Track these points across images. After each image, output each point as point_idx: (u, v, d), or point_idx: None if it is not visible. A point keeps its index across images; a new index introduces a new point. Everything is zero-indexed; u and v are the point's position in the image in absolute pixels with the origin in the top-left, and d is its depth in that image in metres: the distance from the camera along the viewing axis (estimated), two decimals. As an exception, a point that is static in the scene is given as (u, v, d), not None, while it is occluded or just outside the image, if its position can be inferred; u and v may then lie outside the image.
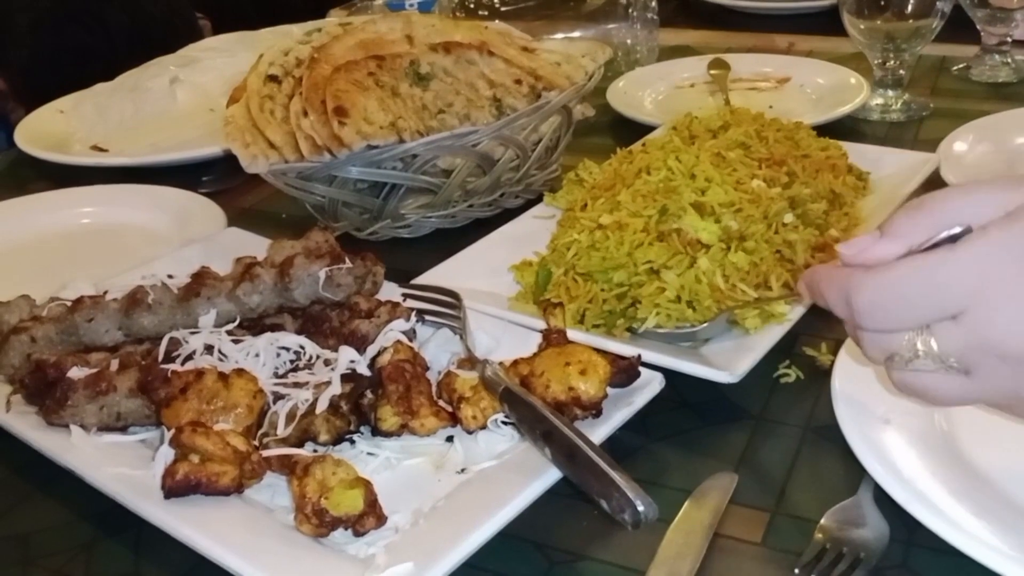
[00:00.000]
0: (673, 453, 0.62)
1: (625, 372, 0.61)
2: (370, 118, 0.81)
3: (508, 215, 0.90)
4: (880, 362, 0.45)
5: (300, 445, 0.60)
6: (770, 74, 1.20)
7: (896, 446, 0.55)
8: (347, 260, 0.70)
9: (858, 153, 0.89)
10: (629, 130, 1.08)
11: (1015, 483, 0.53)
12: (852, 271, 0.43)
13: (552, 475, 0.56)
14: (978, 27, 1.20)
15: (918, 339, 0.42)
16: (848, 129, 0.94)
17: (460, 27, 0.97)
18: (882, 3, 1.08)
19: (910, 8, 1.07)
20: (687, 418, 0.65)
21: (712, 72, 1.20)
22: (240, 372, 0.61)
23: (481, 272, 0.77)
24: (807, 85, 1.15)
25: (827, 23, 1.20)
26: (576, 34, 1.30)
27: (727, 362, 0.63)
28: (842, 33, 1.11)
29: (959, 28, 1.16)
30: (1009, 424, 0.57)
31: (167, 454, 0.57)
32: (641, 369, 0.62)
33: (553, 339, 0.63)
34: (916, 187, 0.84)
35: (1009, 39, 1.20)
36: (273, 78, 0.90)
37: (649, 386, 0.62)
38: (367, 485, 0.53)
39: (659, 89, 1.19)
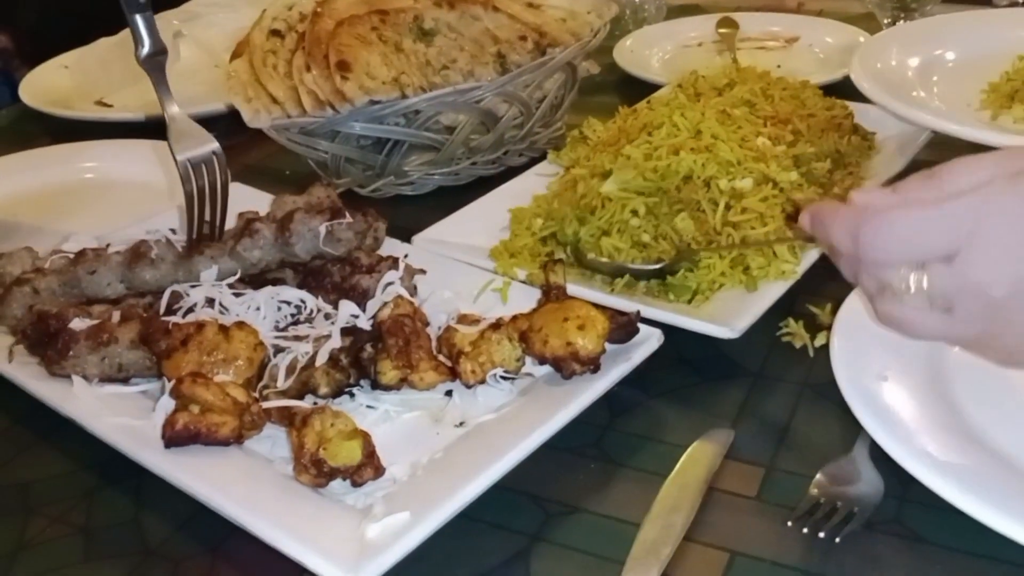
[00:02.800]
0: (671, 409, 0.62)
1: (624, 328, 0.61)
2: (373, 73, 0.81)
3: (512, 173, 0.89)
4: (871, 294, 0.48)
5: (300, 398, 0.61)
6: (779, 33, 1.18)
7: (892, 403, 0.55)
8: (348, 216, 0.70)
9: (864, 113, 0.88)
10: (636, 89, 1.07)
11: (1010, 439, 0.53)
12: (861, 208, 0.46)
13: (550, 428, 0.56)
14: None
15: (911, 275, 0.45)
16: (855, 89, 0.93)
17: (465, -19, 0.96)
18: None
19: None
20: (686, 374, 0.65)
21: (720, 31, 1.19)
22: (241, 325, 0.62)
23: (483, 229, 0.77)
24: (815, 44, 1.14)
25: (839, -18, 1.19)
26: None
27: (728, 318, 0.63)
28: (853, -8, 1.10)
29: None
30: (1005, 381, 0.57)
31: (167, 404, 0.58)
32: (640, 325, 0.62)
33: (553, 295, 0.63)
34: (920, 146, 0.83)
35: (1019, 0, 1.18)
36: (276, 33, 0.90)
37: (648, 342, 0.62)
38: (365, 436, 0.53)
39: (666, 48, 1.18)
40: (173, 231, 0.76)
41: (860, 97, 0.88)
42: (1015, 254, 0.43)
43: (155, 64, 0.72)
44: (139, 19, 0.71)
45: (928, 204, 0.44)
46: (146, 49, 0.72)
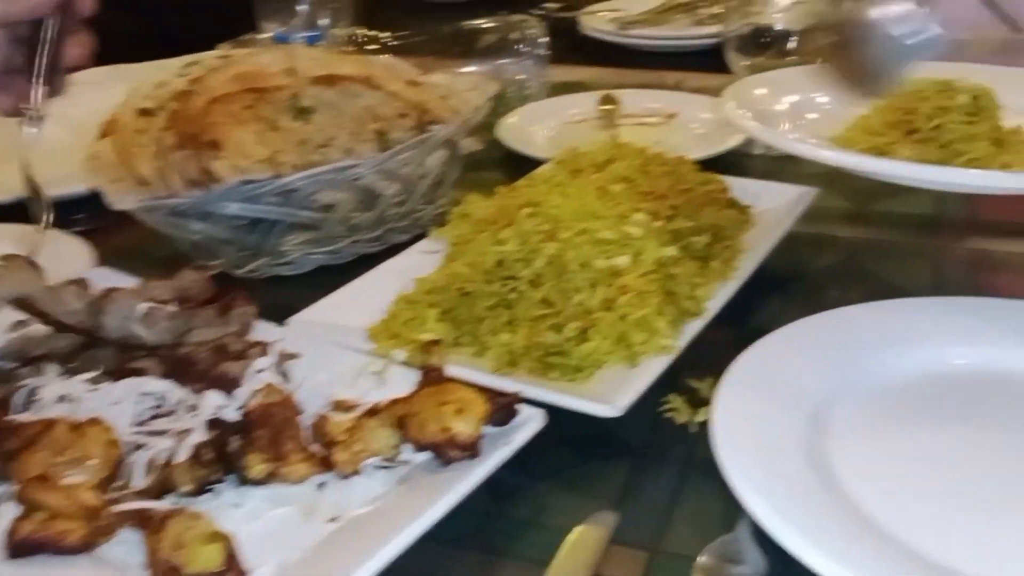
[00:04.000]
0: (554, 492, 0.60)
1: (504, 410, 0.59)
2: (246, 151, 0.78)
3: (396, 250, 0.88)
4: None
5: (160, 497, 0.57)
6: (658, 109, 1.21)
7: (772, 478, 0.54)
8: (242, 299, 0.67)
9: (741, 187, 0.90)
10: (520, 165, 1.07)
11: (890, 514, 0.53)
12: None
13: (427, 519, 0.53)
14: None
15: None
16: (732, 164, 0.96)
17: (345, 60, 0.95)
18: (764, 41, 1.11)
19: (790, 47, 1.10)
20: (569, 455, 0.63)
21: (602, 108, 1.21)
22: (94, 421, 0.57)
23: (363, 308, 0.75)
24: (693, 121, 1.17)
25: (715, 61, 1.23)
26: (469, 69, 1.29)
27: (610, 396, 0.62)
28: (729, 70, 1.13)
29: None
30: (887, 455, 0.57)
31: (13, 511, 0.53)
32: (522, 406, 0.61)
33: (431, 377, 0.61)
34: (796, 218, 0.86)
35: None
36: (146, 111, 0.87)
37: (529, 424, 0.60)
38: (226, 539, 0.50)
39: (550, 124, 1.19)
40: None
41: (737, 171, 0.90)
42: None
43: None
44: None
45: None
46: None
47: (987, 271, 0.85)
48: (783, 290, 0.83)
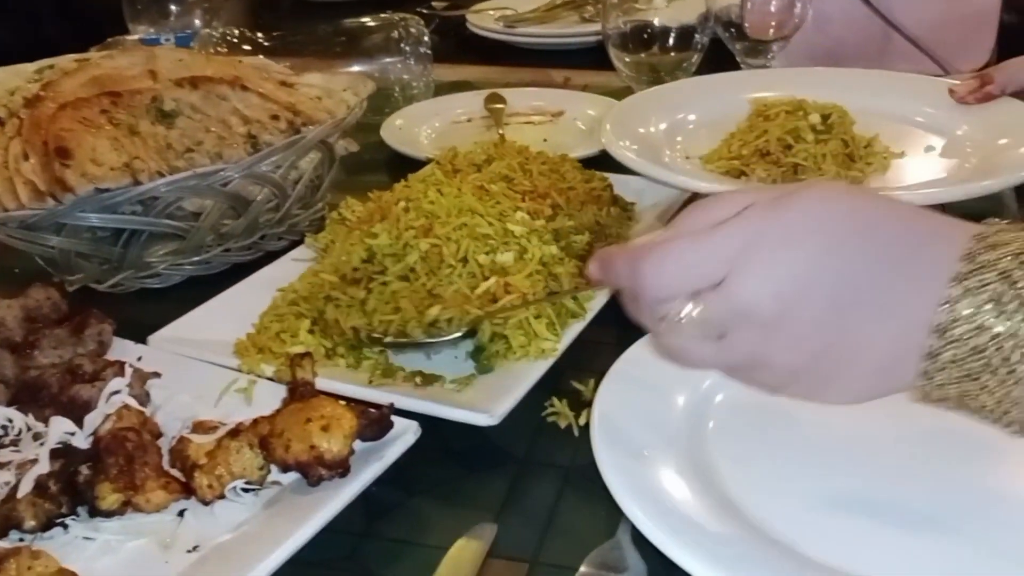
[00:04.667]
0: (433, 506, 0.58)
1: (376, 424, 0.57)
2: (99, 159, 0.74)
3: (271, 258, 0.84)
4: (651, 328, 0.49)
5: (4, 535, 0.52)
6: (545, 108, 1.20)
7: (652, 482, 0.53)
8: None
9: (624, 184, 0.89)
10: (405, 167, 1.04)
11: (774, 515, 0.52)
12: (641, 247, 0.48)
13: (294, 543, 0.50)
14: (738, 59, 1.25)
15: (684, 306, 0.46)
16: (616, 161, 0.95)
17: (211, 61, 0.91)
18: (645, 37, 1.10)
19: (671, 42, 1.10)
20: (449, 466, 0.61)
21: (488, 107, 1.19)
22: (-76, 456, 0.53)
23: (233, 321, 0.71)
24: (579, 118, 1.16)
25: (602, 57, 1.22)
26: (353, 69, 1.26)
27: (487, 404, 0.60)
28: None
29: (723, 59, 1.21)
30: (767, 456, 0.56)
31: None
32: (395, 418, 0.58)
33: (298, 393, 0.58)
34: (675, 216, 0.85)
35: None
36: (-6, 118, 0.81)
37: (403, 437, 0.58)
38: (69, 578, 0.46)
39: (435, 125, 1.16)
40: None
41: (620, 168, 0.90)
42: (776, 273, 0.44)
43: None
44: None
45: (696, 235, 0.46)
46: None
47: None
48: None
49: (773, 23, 1.18)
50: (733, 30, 1.18)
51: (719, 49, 1.18)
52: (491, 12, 1.54)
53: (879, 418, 0.58)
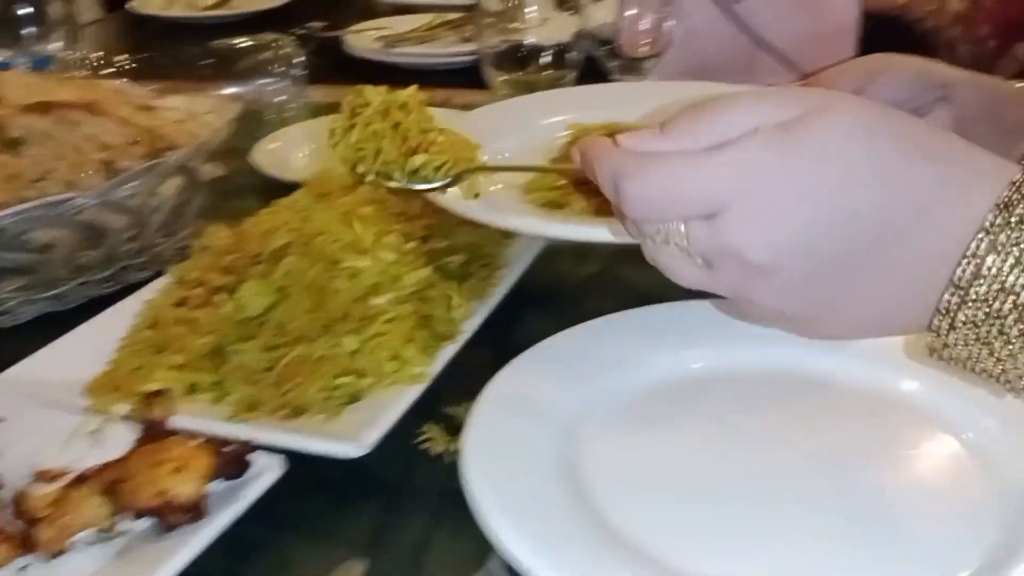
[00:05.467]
0: (299, 544, 0.56)
1: (234, 462, 0.54)
2: (-66, 191, 0.69)
3: (132, 291, 0.80)
4: (636, 236, 0.47)
5: None
6: (424, 127, 1.18)
7: (524, 509, 0.52)
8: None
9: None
10: (277, 192, 1.02)
11: (652, 539, 0.51)
12: (627, 156, 0.44)
13: (145, 596, 0.47)
14: (613, 76, 1.26)
15: (672, 229, 0.44)
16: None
17: (64, 85, 0.87)
18: (520, 56, 1.10)
19: (545, 60, 1.10)
20: (318, 500, 0.59)
21: (364, 128, 1.16)
22: None
23: (86, 359, 0.67)
24: (459, 137, 1.15)
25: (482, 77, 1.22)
26: (225, 92, 1.22)
27: (355, 433, 0.58)
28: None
29: (600, 77, 1.21)
30: (644, 474, 0.56)
31: None
32: (259, 454, 0.55)
33: (150, 433, 0.55)
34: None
35: (642, 87, 1.27)
36: None
37: (266, 474, 0.55)
38: None
39: (309, 148, 1.14)
40: None
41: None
42: (774, 222, 0.41)
43: None
44: None
45: (689, 159, 0.42)
46: None
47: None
48: (544, 304, 0.82)
49: (645, 41, 1.20)
50: (607, 47, 1.19)
51: (596, 66, 1.19)
52: (370, 32, 1.52)
53: (762, 436, 0.58)
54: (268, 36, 1.20)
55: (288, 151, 1.12)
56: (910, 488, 0.55)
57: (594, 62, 1.20)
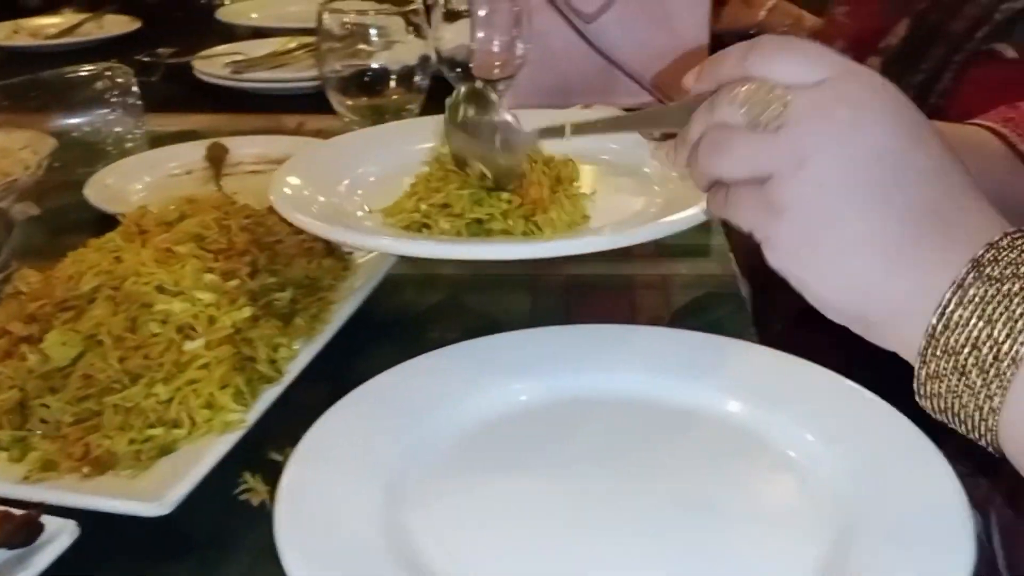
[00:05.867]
0: (98, 616, 0.52)
1: (20, 528, 0.50)
2: None
3: (-61, 341, 0.74)
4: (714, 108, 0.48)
5: None
6: (272, 155, 1.15)
7: (338, 560, 0.50)
8: None
9: (342, 232, 0.86)
10: (114, 227, 0.97)
11: None
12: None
13: None
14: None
15: (772, 95, 0.46)
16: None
17: None
18: (365, 80, 1.08)
19: (392, 84, 1.08)
20: (120, 564, 0.55)
21: (208, 157, 1.13)
22: None
23: None
24: (307, 165, 1.12)
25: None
26: (64, 122, 1.17)
27: (158, 491, 0.55)
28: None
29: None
30: (470, 527, 0.54)
31: None
32: (50, 519, 0.52)
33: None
34: (392, 263, 0.83)
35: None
36: None
37: (58, 539, 0.51)
38: None
39: (146, 180, 1.09)
40: None
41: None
42: (854, 153, 0.44)
43: None
44: None
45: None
46: None
47: (580, 295, 0.88)
48: (383, 338, 0.80)
49: (497, 63, 1.20)
50: (459, 70, 1.18)
51: (448, 89, 1.18)
52: (220, 57, 1.47)
53: (588, 464, 0.58)
54: (102, 65, 1.14)
55: (124, 184, 1.07)
56: (737, 507, 0.55)
57: (445, 85, 1.19)
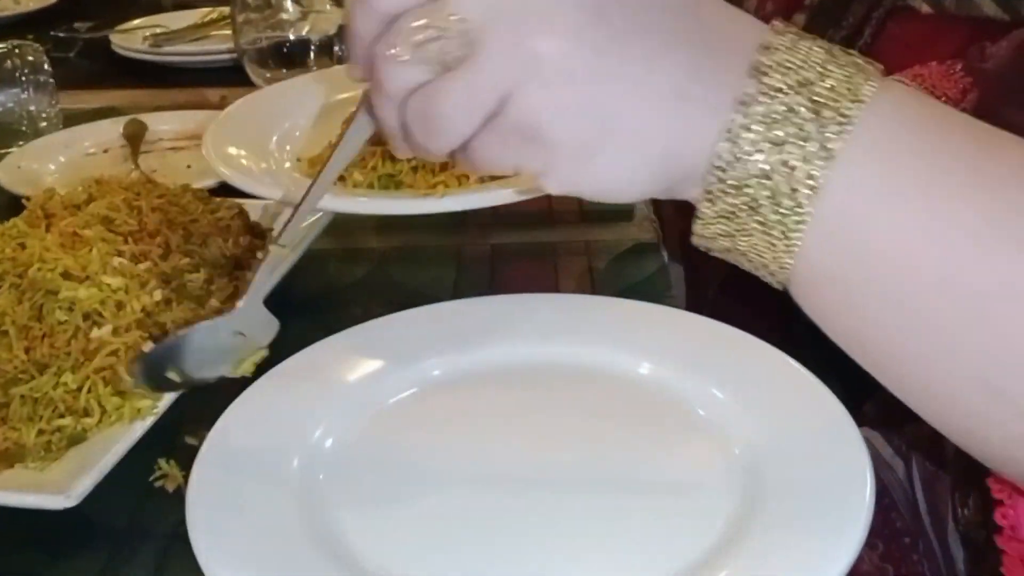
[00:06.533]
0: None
1: (-81, 529, 0.49)
2: None
3: None
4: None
5: None
6: (193, 131, 1.12)
7: (250, 544, 0.49)
8: None
9: (260, 210, 0.85)
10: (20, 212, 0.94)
11: (390, 563, 0.49)
12: None
13: None
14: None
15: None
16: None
17: None
18: (284, 51, 1.06)
19: (311, 56, 1.06)
20: (30, 555, 0.54)
21: (125, 135, 1.10)
22: None
23: None
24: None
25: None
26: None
27: (68, 482, 0.54)
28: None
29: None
30: (385, 502, 0.53)
31: None
32: (-48, 517, 0.51)
33: None
34: (312, 239, 0.81)
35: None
36: None
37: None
38: None
39: (63, 160, 1.06)
40: None
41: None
42: None
43: None
44: None
45: None
46: None
47: (504, 264, 0.87)
48: (307, 312, 0.78)
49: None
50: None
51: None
52: (140, 31, 1.43)
53: (502, 434, 0.58)
54: (10, 43, 1.10)
55: (37, 165, 1.04)
56: (647, 466, 0.55)
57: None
